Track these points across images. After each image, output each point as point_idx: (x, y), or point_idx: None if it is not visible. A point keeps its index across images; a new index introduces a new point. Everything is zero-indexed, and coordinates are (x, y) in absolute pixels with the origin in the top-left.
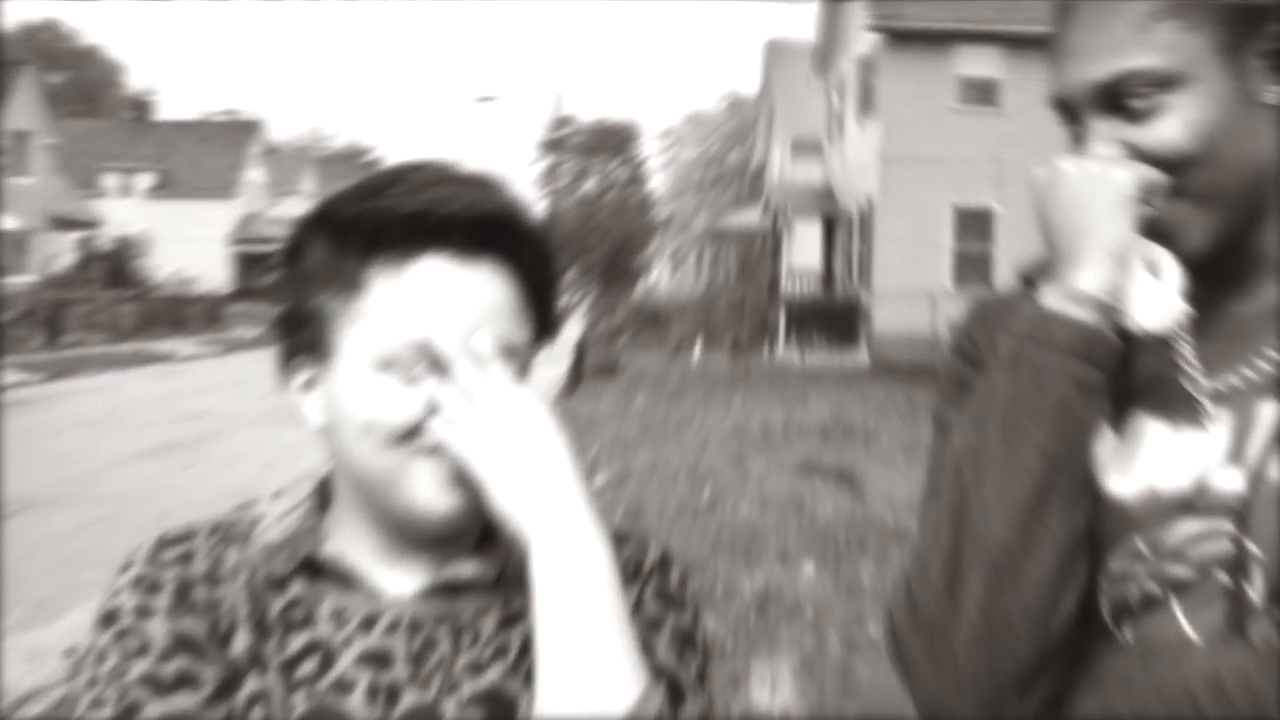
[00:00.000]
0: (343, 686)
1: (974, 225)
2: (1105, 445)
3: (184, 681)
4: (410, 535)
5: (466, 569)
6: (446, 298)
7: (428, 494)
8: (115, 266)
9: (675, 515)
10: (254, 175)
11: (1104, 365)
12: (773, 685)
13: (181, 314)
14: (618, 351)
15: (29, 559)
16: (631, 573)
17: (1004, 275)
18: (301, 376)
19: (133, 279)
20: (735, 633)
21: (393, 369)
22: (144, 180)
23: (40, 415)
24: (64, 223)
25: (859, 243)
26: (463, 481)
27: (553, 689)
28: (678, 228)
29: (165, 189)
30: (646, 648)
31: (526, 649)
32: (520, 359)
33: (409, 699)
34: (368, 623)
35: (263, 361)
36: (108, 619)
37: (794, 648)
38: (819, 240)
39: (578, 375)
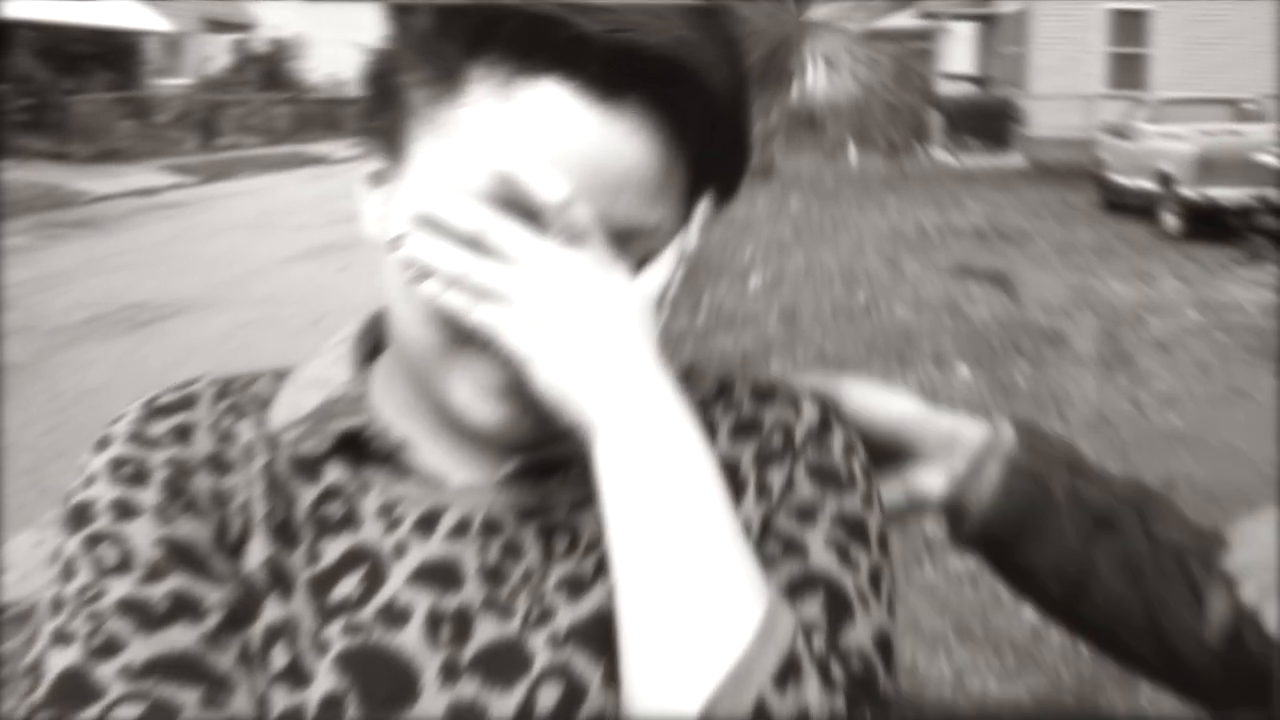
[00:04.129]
0: (394, 615)
1: (1129, 27)
2: None
3: (180, 608)
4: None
5: (560, 444)
6: (561, 144)
7: (463, 398)
8: (270, 69)
9: (830, 317)
10: None
11: None
12: None
13: (336, 116)
14: (772, 154)
15: (183, 363)
16: (780, 443)
17: (1159, 77)
18: (371, 165)
19: (287, 81)
20: None
21: None
22: None
23: (195, 218)
24: (218, 25)
25: (1014, 45)
26: (514, 390)
27: (636, 625)
28: (832, 30)
29: None
30: (796, 546)
31: None
32: (645, 245)
33: (484, 632)
34: (427, 522)
35: None
36: (76, 517)
37: None
38: (974, 43)
39: None
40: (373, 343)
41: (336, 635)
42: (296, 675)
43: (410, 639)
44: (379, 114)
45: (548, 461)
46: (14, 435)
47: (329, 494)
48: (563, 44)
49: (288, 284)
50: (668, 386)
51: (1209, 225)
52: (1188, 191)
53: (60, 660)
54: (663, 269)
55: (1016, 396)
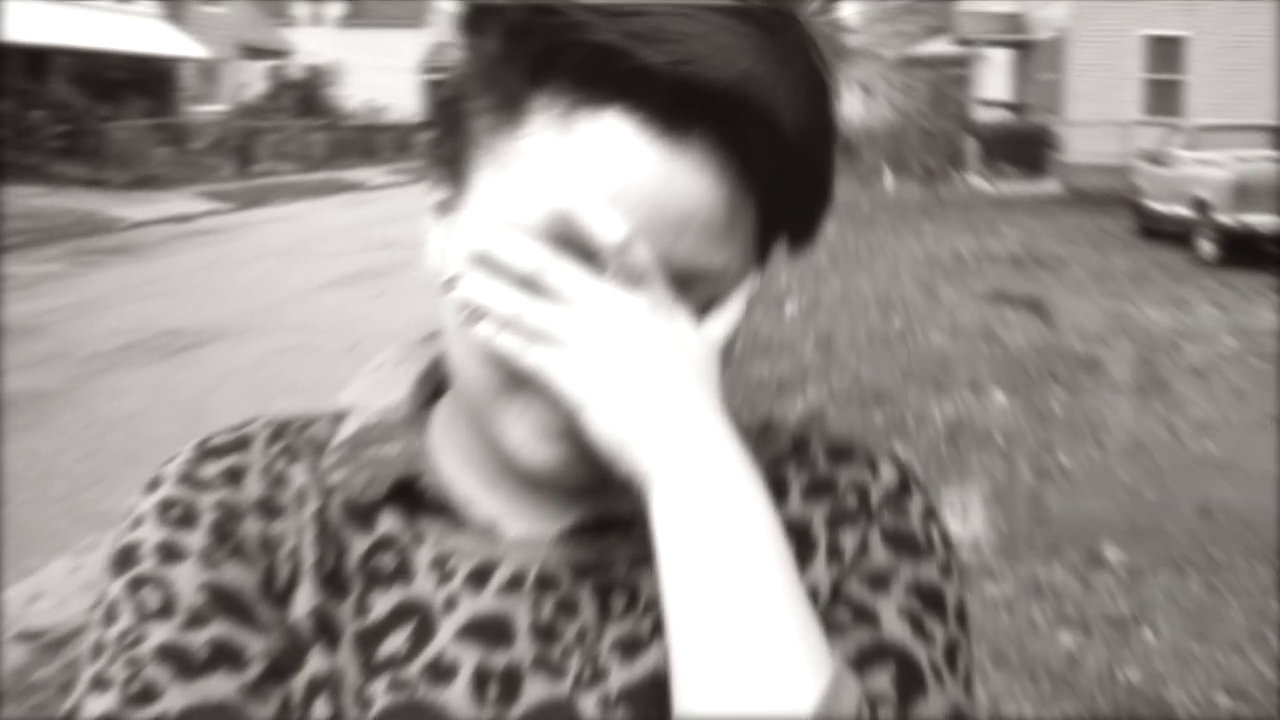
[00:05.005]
0: (440, 671)
1: (1165, 54)
2: None
3: (221, 657)
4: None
5: (622, 500)
6: (621, 180)
7: (518, 438)
8: (306, 95)
9: (866, 343)
10: (445, 4)
11: None
12: (964, 513)
13: (372, 143)
14: None
15: (218, 389)
16: (855, 505)
17: (1195, 104)
18: (439, 193)
19: (323, 108)
20: (926, 461)
21: None
22: (334, 9)
23: (230, 245)
24: (255, 51)
25: (1050, 71)
26: (570, 433)
27: (693, 690)
28: (868, 56)
29: (356, 18)
30: (867, 614)
31: None
32: (710, 288)
33: (533, 691)
34: (479, 576)
35: None
36: (122, 560)
37: (985, 476)
38: (1010, 69)
39: None
40: (434, 386)
41: (381, 691)
42: None
43: (455, 696)
44: (444, 142)
45: (607, 517)
46: (49, 462)
47: (381, 544)
48: (626, 76)
49: (322, 311)
50: (729, 441)
51: (1245, 251)
52: (1224, 218)
53: (96, 707)
54: (729, 315)
55: (1052, 423)
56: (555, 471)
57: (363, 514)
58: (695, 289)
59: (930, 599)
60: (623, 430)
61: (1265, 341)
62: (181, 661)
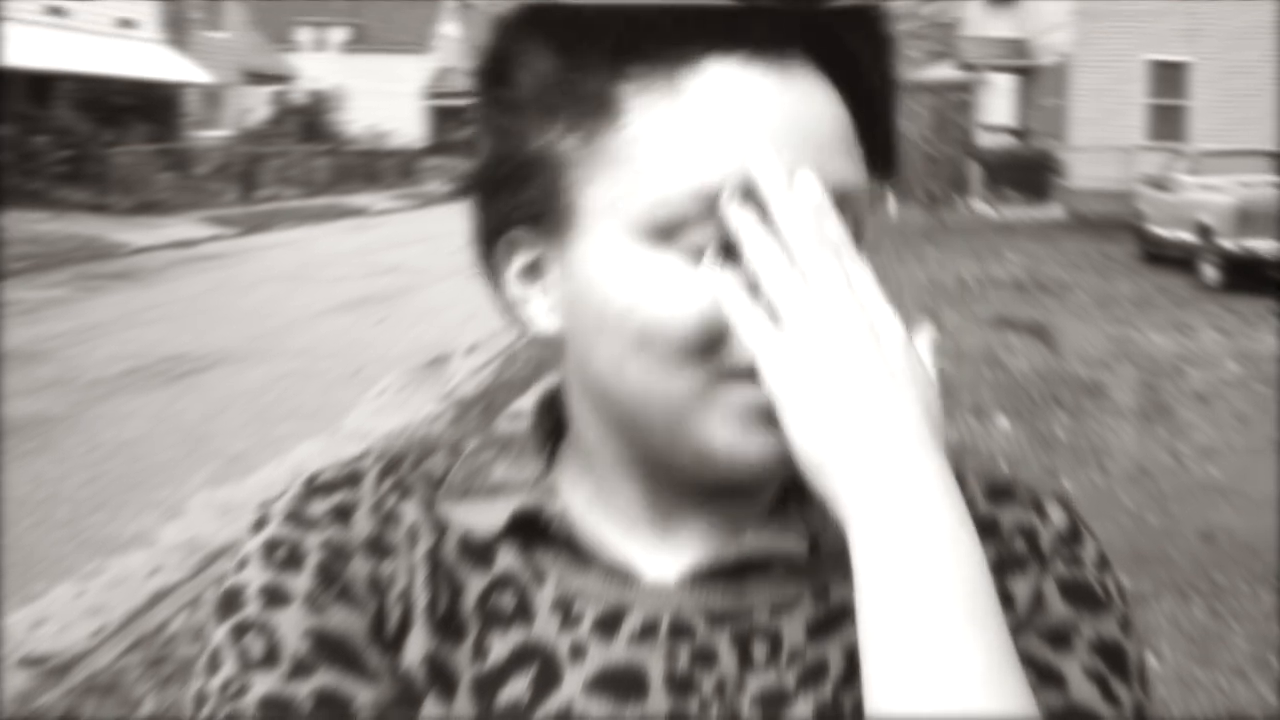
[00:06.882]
0: None
1: (1168, 79)
2: None
3: (327, 708)
4: (691, 489)
5: (761, 539)
6: (750, 121)
7: (730, 434)
8: (309, 121)
9: None
10: (449, 29)
11: None
12: None
13: (375, 168)
14: None
15: (221, 415)
16: (1024, 551)
17: (1198, 129)
18: (520, 260)
19: (327, 133)
20: None
21: (673, 239)
22: (338, 34)
23: (233, 270)
24: (258, 77)
25: (1054, 97)
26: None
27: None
28: None
29: (359, 43)
30: (1053, 675)
31: (856, 670)
32: (855, 214)
33: None
34: (609, 622)
35: (456, 216)
36: (226, 605)
37: None
38: (1014, 94)
39: None
40: (552, 427)
41: None
42: None
43: None
44: (515, 193)
45: (743, 559)
46: (53, 487)
47: (500, 583)
48: (718, 20)
49: (325, 336)
50: (943, 482)
51: (1248, 277)
52: (1227, 243)
53: None
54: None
55: (1056, 448)
56: (768, 462)
57: (479, 551)
58: (845, 215)
59: (1114, 658)
60: (824, 451)
61: (1268, 366)
62: (285, 714)
